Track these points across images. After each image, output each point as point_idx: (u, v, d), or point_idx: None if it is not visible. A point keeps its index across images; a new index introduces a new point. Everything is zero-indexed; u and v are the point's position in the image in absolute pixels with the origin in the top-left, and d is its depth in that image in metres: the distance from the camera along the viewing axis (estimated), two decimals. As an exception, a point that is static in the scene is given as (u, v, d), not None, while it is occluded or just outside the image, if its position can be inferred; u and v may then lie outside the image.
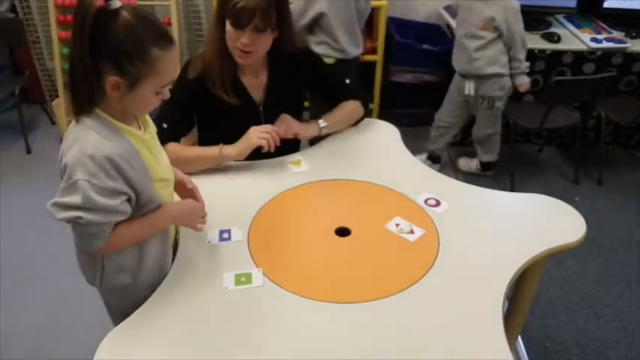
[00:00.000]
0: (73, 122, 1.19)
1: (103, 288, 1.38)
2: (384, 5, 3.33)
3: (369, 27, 3.67)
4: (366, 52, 3.51)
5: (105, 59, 1.09)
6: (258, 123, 1.77)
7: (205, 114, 1.80)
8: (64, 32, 3.46)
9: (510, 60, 2.91)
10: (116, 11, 1.08)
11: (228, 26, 1.61)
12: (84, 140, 1.14)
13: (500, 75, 2.91)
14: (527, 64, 2.92)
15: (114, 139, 1.17)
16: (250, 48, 1.63)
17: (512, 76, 2.92)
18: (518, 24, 2.83)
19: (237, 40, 1.62)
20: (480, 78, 2.95)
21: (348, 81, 2.02)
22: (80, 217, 1.14)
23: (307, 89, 2.00)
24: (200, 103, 1.75)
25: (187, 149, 1.75)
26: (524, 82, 2.94)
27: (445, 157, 3.45)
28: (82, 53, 1.06)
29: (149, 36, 1.11)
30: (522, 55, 2.89)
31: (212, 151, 1.72)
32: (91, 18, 1.04)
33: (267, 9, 1.57)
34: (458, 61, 3.04)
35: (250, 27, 1.58)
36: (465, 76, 3.02)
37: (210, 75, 1.71)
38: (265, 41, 1.66)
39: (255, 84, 1.79)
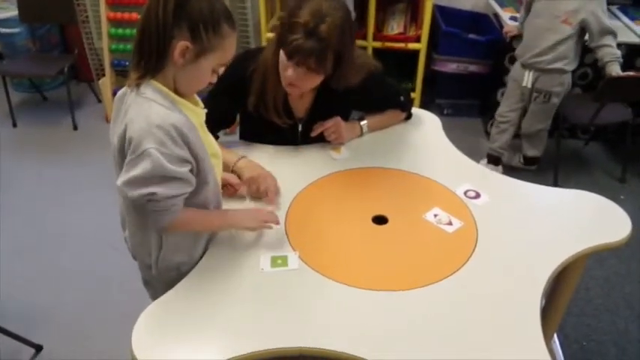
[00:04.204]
0: (132, 95, 1.20)
1: (157, 269, 1.40)
2: (430, -7, 3.27)
3: (414, 14, 3.63)
4: (410, 39, 3.48)
5: (183, 23, 1.14)
6: (295, 137, 1.80)
7: (246, 111, 1.75)
8: (112, 13, 3.54)
9: (597, 50, 2.79)
10: None
11: (282, 55, 1.54)
12: (148, 111, 1.17)
13: (563, 71, 2.84)
14: (619, 52, 2.77)
15: (175, 110, 1.21)
16: (297, 82, 1.57)
17: (605, 64, 2.78)
18: (604, 15, 2.72)
19: (286, 70, 1.55)
20: (540, 71, 2.87)
21: (402, 98, 1.93)
22: (154, 194, 1.18)
23: (358, 110, 1.95)
24: (244, 102, 1.70)
25: None
26: (617, 71, 2.75)
27: (486, 149, 3.36)
28: (165, 15, 1.12)
29: (223, 13, 1.19)
30: (613, 42, 2.76)
31: (230, 158, 1.67)
32: None
33: (322, 53, 1.48)
34: (525, 51, 2.92)
35: (303, 66, 1.51)
36: (526, 67, 2.93)
37: (264, 98, 1.66)
38: (315, 80, 1.58)
39: (300, 104, 1.75)
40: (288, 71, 1.54)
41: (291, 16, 1.49)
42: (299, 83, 1.57)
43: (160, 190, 1.18)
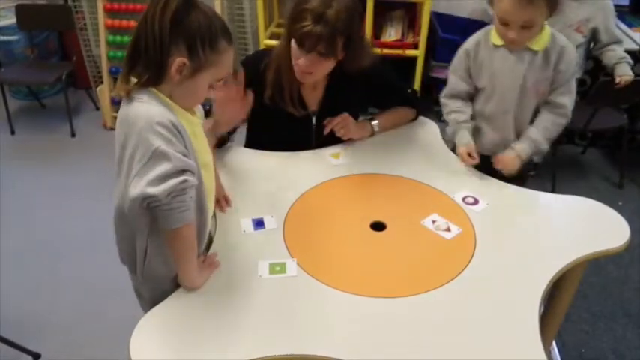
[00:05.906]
0: (126, 103, 1.19)
1: (145, 277, 1.38)
2: (427, 0, 3.29)
3: (411, 21, 3.64)
4: (407, 46, 3.49)
5: (180, 40, 1.14)
6: (309, 130, 1.82)
7: (259, 108, 1.75)
8: (110, 20, 3.55)
9: (601, 55, 2.80)
10: (196, 2, 1.16)
11: (293, 44, 1.59)
12: (146, 112, 1.15)
13: None
14: (627, 55, 2.76)
15: (170, 113, 1.19)
16: (309, 69, 1.60)
17: (613, 67, 2.75)
18: (614, 25, 2.76)
19: (298, 59, 1.59)
20: None
21: (409, 90, 1.97)
22: (186, 181, 1.14)
23: (368, 104, 1.97)
24: (258, 97, 1.71)
25: None
26: (627, 72, 2.71)
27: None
28: (162, 31, 1.11)
29: (220, 29, 1.19)
30: (619, 49, 2.76)
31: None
32: (174, 3, 1.11)
33: (332, 37, 1.52)
34: None
35: (313, 52, 1.55)
36: None
37: (280, 88, 1.69)
38: (327, 66, 1.62)
39: (312, 96, 1.79)
40: (300, 60, 1.57)
41: (298, 5, 1.53)
42: (312, 69, 1.60)
43: (188, 177, 1.14)
